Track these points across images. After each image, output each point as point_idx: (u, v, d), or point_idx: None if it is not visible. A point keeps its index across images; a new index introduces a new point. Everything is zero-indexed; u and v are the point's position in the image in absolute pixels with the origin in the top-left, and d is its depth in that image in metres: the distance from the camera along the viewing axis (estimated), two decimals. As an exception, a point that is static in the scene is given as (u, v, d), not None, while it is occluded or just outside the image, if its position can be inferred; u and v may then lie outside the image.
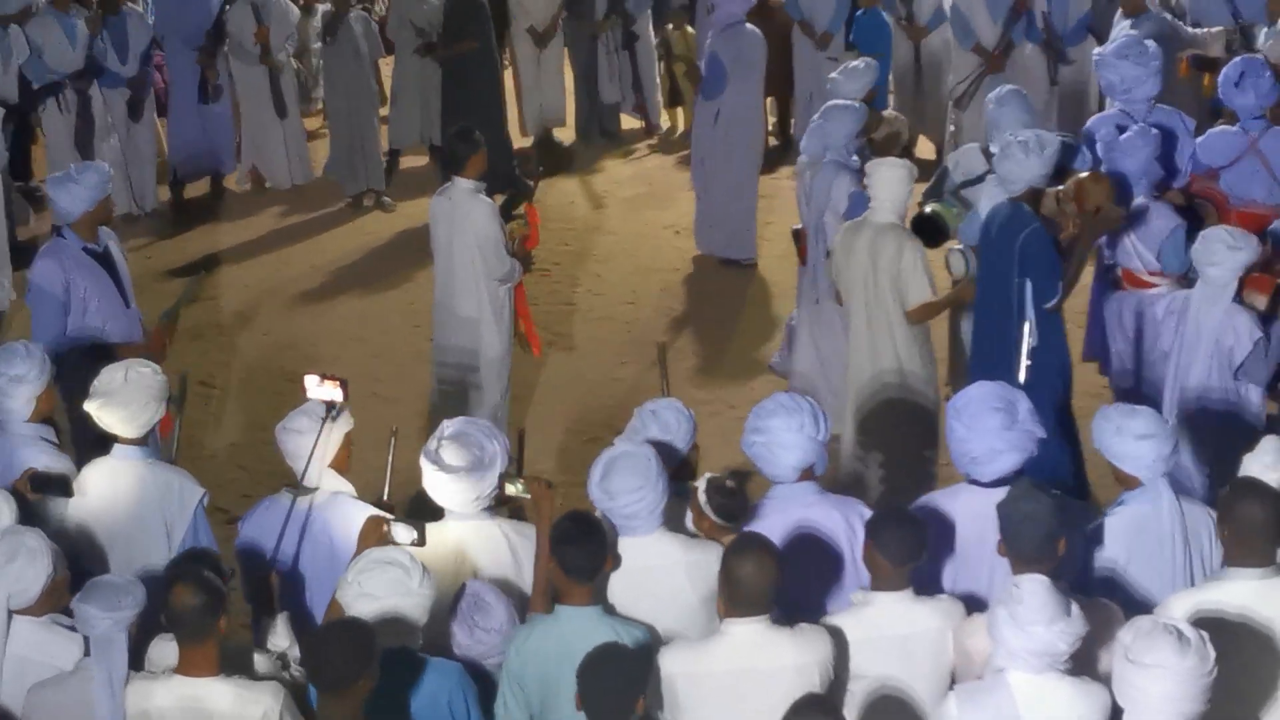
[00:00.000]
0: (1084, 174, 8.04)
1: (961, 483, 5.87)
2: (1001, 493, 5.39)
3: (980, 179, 9.03)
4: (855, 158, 8.72)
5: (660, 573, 5.43)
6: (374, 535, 5.68)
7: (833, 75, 9.62)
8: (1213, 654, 4.38)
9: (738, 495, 5.59)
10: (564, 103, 14.89)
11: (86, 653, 5.27)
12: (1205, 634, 4.43)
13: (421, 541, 5.64)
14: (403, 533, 5.65)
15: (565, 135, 15.11)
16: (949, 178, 9.29)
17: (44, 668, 5.38)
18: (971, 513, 5.69)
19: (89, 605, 5.14)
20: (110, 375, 6.19)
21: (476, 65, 12.37)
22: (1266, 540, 5.08)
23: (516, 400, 9.02)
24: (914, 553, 5.17)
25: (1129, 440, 5.60)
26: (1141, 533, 5.61)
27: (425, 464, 5.82)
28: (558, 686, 5.08)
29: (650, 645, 5.23)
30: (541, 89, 14.59)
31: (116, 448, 6.20)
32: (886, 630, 5.19)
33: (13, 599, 5.39)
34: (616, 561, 5.39)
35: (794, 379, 9.33)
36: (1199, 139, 9.06)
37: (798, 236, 9.26)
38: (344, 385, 6.26)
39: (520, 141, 14.42)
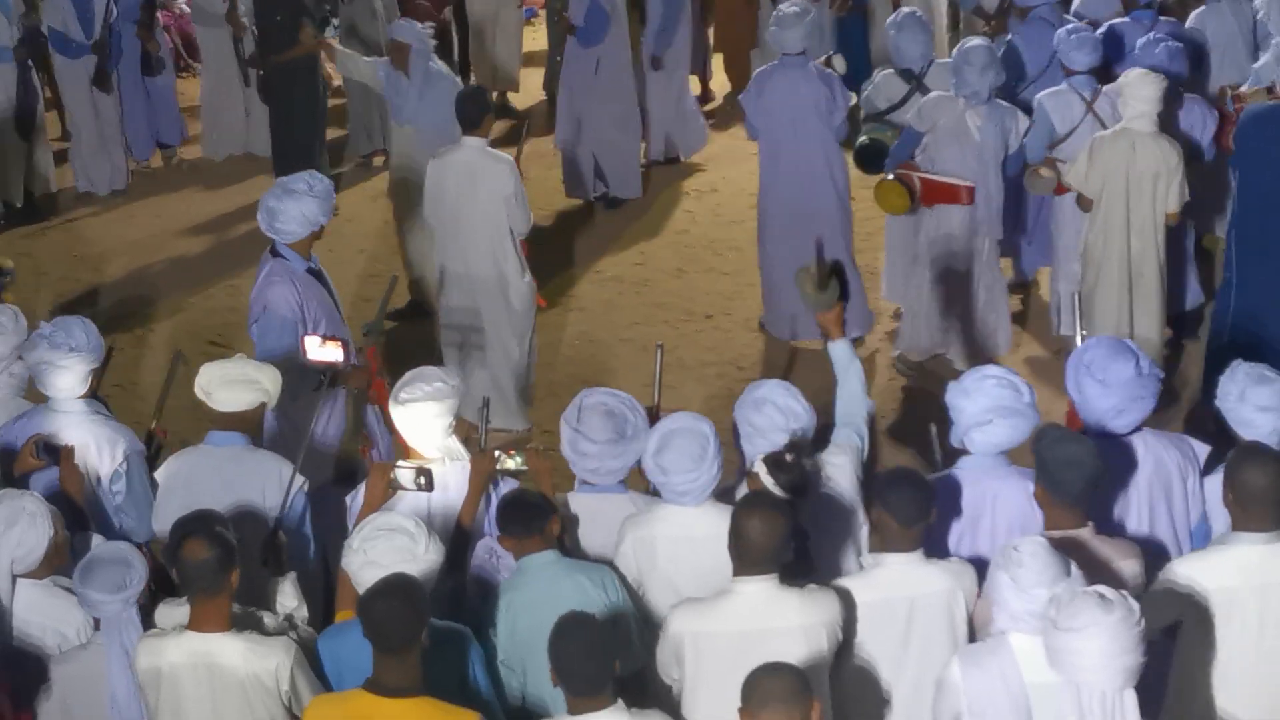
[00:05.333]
0: None
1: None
2: (1137, 439, 5.63)
3: (903, 103, 9.46)
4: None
5: (704, 544, 5.39)
6: (380, 482, 5.71)
7: (771, 27, 9.67)
8: (1137, 608, 4.43)
9: (797, 467, 5.51)
10: (517, 66, 14.64)
11: (95, 623, 5.29)
12: (1125, 593, 4.48)
13: (429, 486, 5.63)
14: (407, 476, 5.63)
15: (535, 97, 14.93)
16: (870, 104, 9.62)
17: (47, 631, 5.42)
18: (1118, 464, 5.70)
19: (91, 590, 5.15)
20: (207, 373, 6.14)
21: (292, 71, 12.04)
22: (1271, 506, 5.09)
23: (526, 360, 9.07)
24: (922, 513, 5.18)
25: (1249, 408, 5.66)
26: None
27: (566, 430, 5.77)
28: (537, 634, 4.96)
29: (619, 598, 5.30)
30: (496, 50, 14.35)
31: (211, 432, 6.18)
32: (895, 592, 5.19)
33: (16, 564, 5.41)
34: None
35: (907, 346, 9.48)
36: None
37: (906, 181, 9.01)
38: (345, 347, 6.26)
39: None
